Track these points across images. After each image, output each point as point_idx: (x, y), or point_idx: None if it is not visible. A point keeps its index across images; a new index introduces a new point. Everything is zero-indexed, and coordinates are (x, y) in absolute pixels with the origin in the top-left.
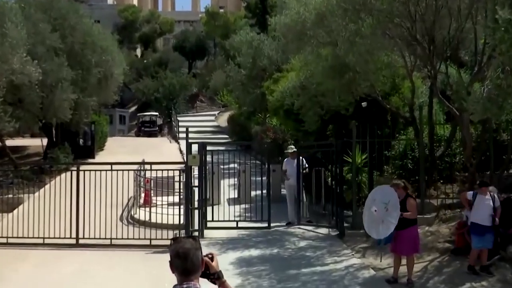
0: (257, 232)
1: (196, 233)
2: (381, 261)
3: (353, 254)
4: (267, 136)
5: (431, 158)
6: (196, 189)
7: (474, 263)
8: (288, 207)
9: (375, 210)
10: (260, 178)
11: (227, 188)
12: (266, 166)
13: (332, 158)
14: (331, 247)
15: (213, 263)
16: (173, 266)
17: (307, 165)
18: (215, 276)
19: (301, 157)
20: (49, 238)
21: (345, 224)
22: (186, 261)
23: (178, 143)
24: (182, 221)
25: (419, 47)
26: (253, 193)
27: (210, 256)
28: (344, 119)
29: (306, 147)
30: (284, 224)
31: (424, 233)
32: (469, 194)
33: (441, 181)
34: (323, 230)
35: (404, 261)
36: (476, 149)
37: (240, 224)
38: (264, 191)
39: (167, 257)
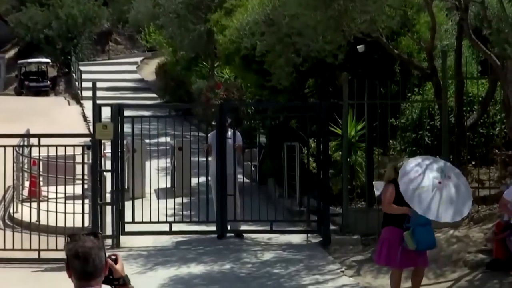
0: (200, 239)
1: (109, 240)
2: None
3: (343, 271)
4: (216, 96)
5: (458, 128)
6: (109, 175)
7: None
8: (215, 205)
9: (439, 182)
10: (205, 159)
11: (156, 173)
12: (215, 140)
13: (312, 129)
14: (311, 261)
15: (118, 267)
16: (71, 268)
17: (242, 142)
18: (120, 282)
19: (233, 131)
20: None
21: (332, 227)
22: (86, 262)
23: (81, 105)
24: (87, 224)
25: None
26: (194, 181)
27: (113, 257)
28: (330, 71)
29: (275, 111)
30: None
31: (447, 239)
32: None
33: (473, 162)
34: (299, 236)
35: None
36: None
37: (175, 227)
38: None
39: (64, 276)
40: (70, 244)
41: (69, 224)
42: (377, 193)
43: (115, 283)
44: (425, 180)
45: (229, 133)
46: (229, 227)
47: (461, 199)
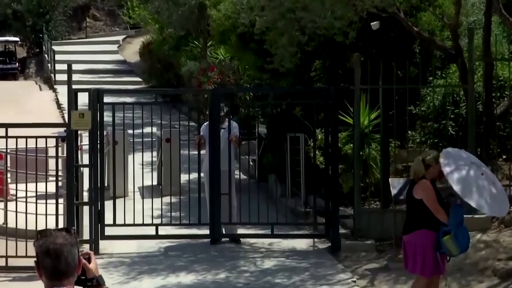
0: (192, 245)
1: (86, 246)
2: None
3: (354, 281)
4: (209, 80)
5: (487, 117)
6: (86, 171)
7: None
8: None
9: (482, 173)
10: (196, 153)
11: (140, 169)
12: (208, 131)
13: (319, 118)
14: (318, 269)
15: (91, 266)
16: (41, 267)
17: (239, 133)
18: (93, 283)
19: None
20: None
21: (342, 231)
22: (58, 260)
23: (55, 90)
24: (61, 226)
25: None
26: (185, 178)
27: (86, 256)
28: (340, 51)
29: (277, 97)
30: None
31: (473, 244)
32: None
33: (503, 156)
34: (304, 241)
35: None
36: None
37: (163, 231)
38: (202, 175)
39: (35, 286)
40: (41, 241)
41: (41, 226)
42: (393, 191)
43: (88, 284)
44: (471, 171)
45: (225, 123)
46: (224, 231)
47: (501, 193)
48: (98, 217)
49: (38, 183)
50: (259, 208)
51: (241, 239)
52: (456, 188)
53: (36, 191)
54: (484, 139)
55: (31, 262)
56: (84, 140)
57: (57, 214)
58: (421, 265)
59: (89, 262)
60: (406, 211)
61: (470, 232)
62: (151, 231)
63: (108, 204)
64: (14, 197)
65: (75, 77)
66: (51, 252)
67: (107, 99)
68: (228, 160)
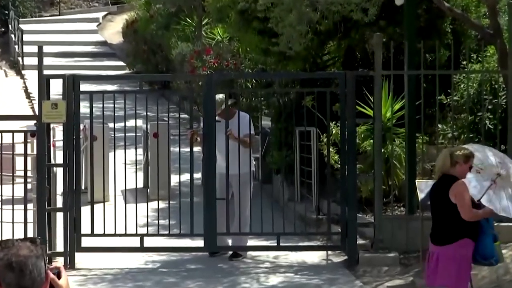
0: (184, 258)
1: (60, 259)
2: None
3: None
4: (204, 64)
5: None
6: (60, 171)
7: None
8: (218, 215)
9: (498, 174)
10: (188, 149)
11: (123, 169)
12: (202, 125)
13: (334, 109)
14: (332, 287)
15: (61, 282)
16: (2, 282)
17: (249, 128)
18: None
19: (244, 114)
20: None
21: (360, 241)
22: (22, 274)
23: (23, 77)
24: (31, 235)
25: None
26: (175, 179)
27: (56, 271)
28: (359, 31)
29: (284, 85)
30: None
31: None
32: None
33: None
34: (316, 254)
35: None
36: None
37: (149, 242)
38: (198, 176)
39: None
40: (2, 253)
41: (7, 236)
42: (421, 196)
43: None
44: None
45: (235, 116)
46: (231, 243)
47: None
48: (73, 226)
49: (3, 186)
50: (262, 215)
51: (241, 252)
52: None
53: (1, 195)
54: None
55: None
56: (58, 135)
57: (25, 222)
58: (456, 280)
59: (59, 277)
60: (435, 216)
61: (510, 244)
62: (135, 242)
63: (86, 211)
64: None
65: (46, 61)
66: (14, 265)
67: (84, 86)
68: (237, 162)
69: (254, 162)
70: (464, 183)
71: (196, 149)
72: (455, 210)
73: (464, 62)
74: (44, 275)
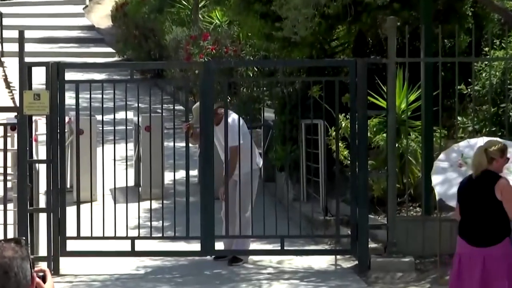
0: (179, 264)
1: (44, 264)
2: None
3: None
4: (201, 51)
5: None
6: (43, 168)
7: None
8: (223, 218)
9: None
10: (184, 144)
11: (112, 165)
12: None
13: (343, 100)
14: None
15: (46, 286)
16: None
17: (241, 139)
18: None
19: (233, 117)
20: None
21: (372, 245)
22: (6, 276)
23: (2, 64)
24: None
25: None
26: (169, 177)
27: (41, 274)
28: (370, 14)
29: (288, 73)
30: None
31: None
32: None
33: None
34: (324, 259)
35: None
36: None
37: (140, 246)
38: (195, 173)
39: None
40: None
41: None
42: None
43: None
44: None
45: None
46: (234, 246)
47: None
48: (58, 228)
49: None
50: (264, 216)
51: (241, 256)
52: None
53: None
54: None
55: None
56: (40, 128)
57: (5, 224)
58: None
59: (44, 281)
60: (473, 215)
61: None
62: (126, 246)
63: (71, 211)
64: None
65: (28, 47)
66: None
67: (69, 75)
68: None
69: (260, 159)
70: (507, 179)
71: (192, 145)
72: (501, 207)
73: (486, 49)
74: (29, 277)
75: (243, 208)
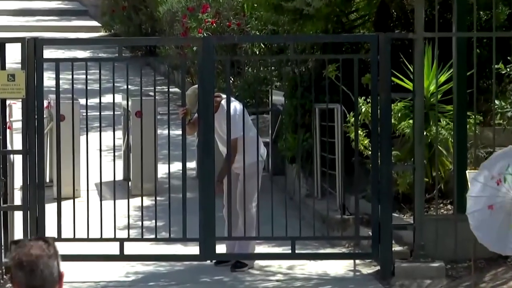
0: (175, 269)
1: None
2: None
3: None
4: (199, 25)
5: None
6: (19, 160)
7: None
8: (225, 217)
9: None
10: (180, 132)
11: (98, 156)
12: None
13: (363, 82)
14: None
15: None
16: (15, 281)
17: (240, 131)
18: None
19: (234, 105)
20: None
21: (396, 248)
22: (33, 274)
23: None
24: None
25: None
26: (162, 169)
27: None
28: None
29: (300, 51)
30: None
31: None
32: None
33: None
34: (341, 263)
35: None
36: None
37: (131, 249)
38: (193, 166)
39: None
40: (14, 252)
41: None
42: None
43: None
44: None
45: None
46: (237, 249)
47: None
48: (36, 228)
49: None
50: (273, 215)
51: (246, 261)
52: None
53: None
54: None
55: None
56: (15, 114)
57: None
58: None
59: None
60: None
61: None
62: (113, 249)
63: (51, 209)
64: None
65: (1, 20)
66: (25, 265)
67: (49, 53)
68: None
69: (264, 149)
70: None
71: (191, 137)
72: None
73: None
74: (57, 274)
75: (247, 205)
